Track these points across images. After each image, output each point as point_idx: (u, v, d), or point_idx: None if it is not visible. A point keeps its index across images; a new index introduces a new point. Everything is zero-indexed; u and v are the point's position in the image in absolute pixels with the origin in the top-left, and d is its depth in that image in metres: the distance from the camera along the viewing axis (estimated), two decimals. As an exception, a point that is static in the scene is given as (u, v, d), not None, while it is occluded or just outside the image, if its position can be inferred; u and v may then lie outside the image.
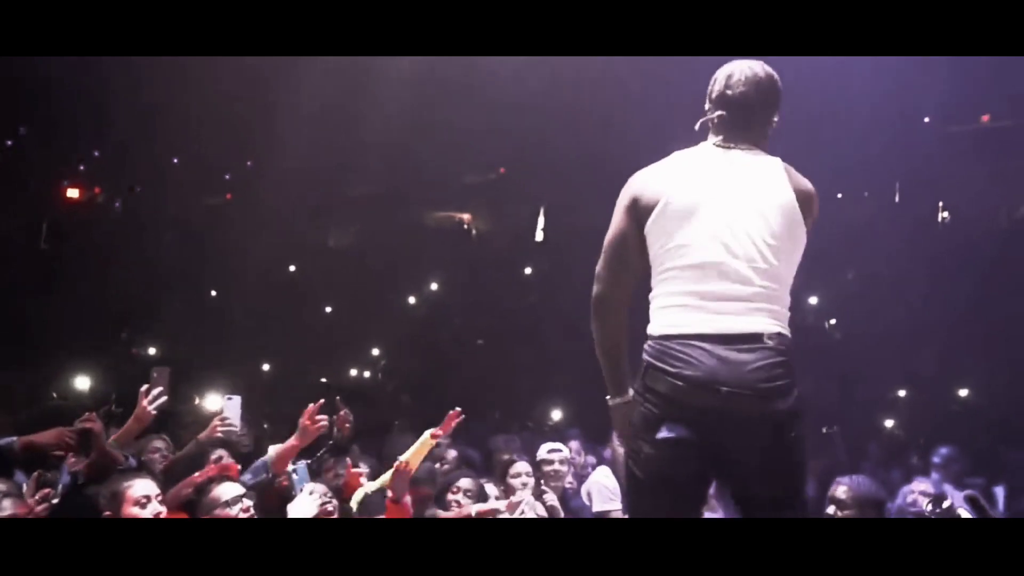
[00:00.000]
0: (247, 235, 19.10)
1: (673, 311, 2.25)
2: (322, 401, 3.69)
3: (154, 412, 3.58)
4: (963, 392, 10.52)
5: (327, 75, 17.48)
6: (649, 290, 2.43)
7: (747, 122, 2.41)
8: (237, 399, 3.79)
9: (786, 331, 2.25)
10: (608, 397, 2.39)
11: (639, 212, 2.35)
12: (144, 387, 3.56)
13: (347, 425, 4.70)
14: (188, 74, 18.33)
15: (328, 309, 16.14)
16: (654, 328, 2.32)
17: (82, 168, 24.20)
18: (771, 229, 2.25)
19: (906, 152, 17.86)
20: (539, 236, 20.44)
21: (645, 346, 2.35)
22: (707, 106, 2.48)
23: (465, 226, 22.90)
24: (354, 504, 3.87)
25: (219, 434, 3.92)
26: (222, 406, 3.79)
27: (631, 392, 2.34)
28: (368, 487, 3.95)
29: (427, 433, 3.92)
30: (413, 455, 3.82)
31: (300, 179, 20.81)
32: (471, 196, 24.64)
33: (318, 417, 3.63)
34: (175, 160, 25.09)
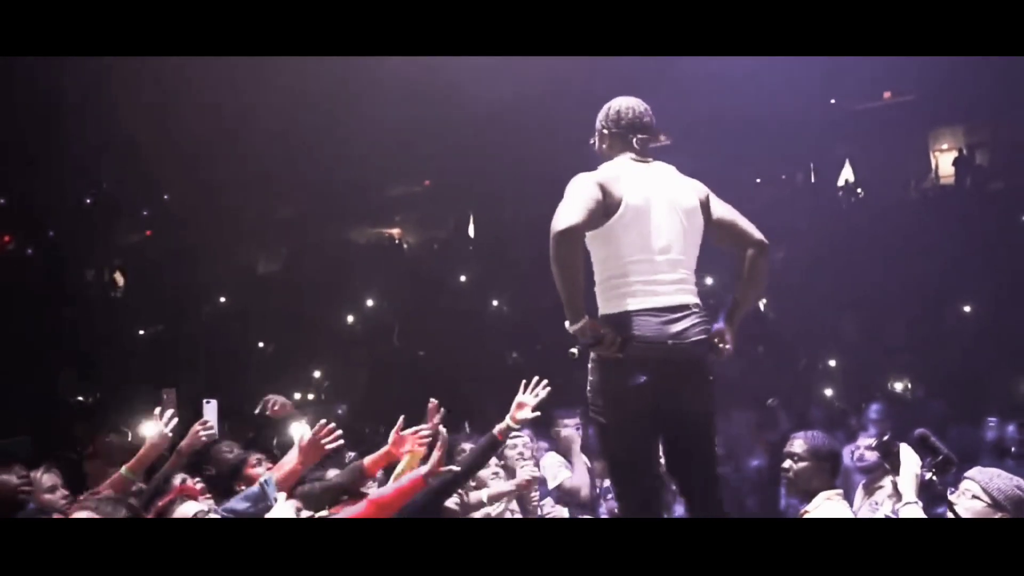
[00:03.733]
0: (172, 270, 18.63)
1: (626, 295, 2.93)
2: (327, 424, 3.41)
3: (170, 434, 3.41)
4: (888, 352, 10.98)
5: (240, 96, 17.24)
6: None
7: (652, 142, 3.13)
8: (214, 403, 3.57)
9: (699, 301, 3.02)
10: (569, 324, 2.86)
11: (606, 202, 2.91)
12: (156, 410, 3.41)
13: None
14: (96, 110, 17.87)
15: (265, 335, 15.86)
16: (612, 307, 2.95)
17: (-12, 217, 23.28)
18: (684, 229, 2.99)
19: (817, 133, 18.56)
20: (470, 244, 20.51)
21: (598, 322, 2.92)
22: (613, 130, 3.12)
23: (395, 240, 22.81)
24: None
25: (202, 439, 3.73)
26: (203, 410, 3.58)
27: (587, 316, 2.88)
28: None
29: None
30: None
31: (221, 207, 20.42)
32: (397, 210, 24.56)
33: (324, 440, 3.35)
34: (88, 200, 24.33)
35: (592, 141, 3.22)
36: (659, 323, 2.88)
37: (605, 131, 3.15)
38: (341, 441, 3.48)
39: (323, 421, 3.44)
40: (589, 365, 2.98)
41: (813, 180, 19.92)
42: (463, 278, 17.60)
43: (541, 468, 4.93)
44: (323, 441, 3.41)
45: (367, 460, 3.71)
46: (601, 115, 3.18)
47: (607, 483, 4.71)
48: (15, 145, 19.03)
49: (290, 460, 3.44)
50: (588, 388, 3.00)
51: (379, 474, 3.82)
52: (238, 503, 3.16)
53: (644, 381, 2.85)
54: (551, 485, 4.73)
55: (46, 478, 3.39)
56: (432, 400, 3.86)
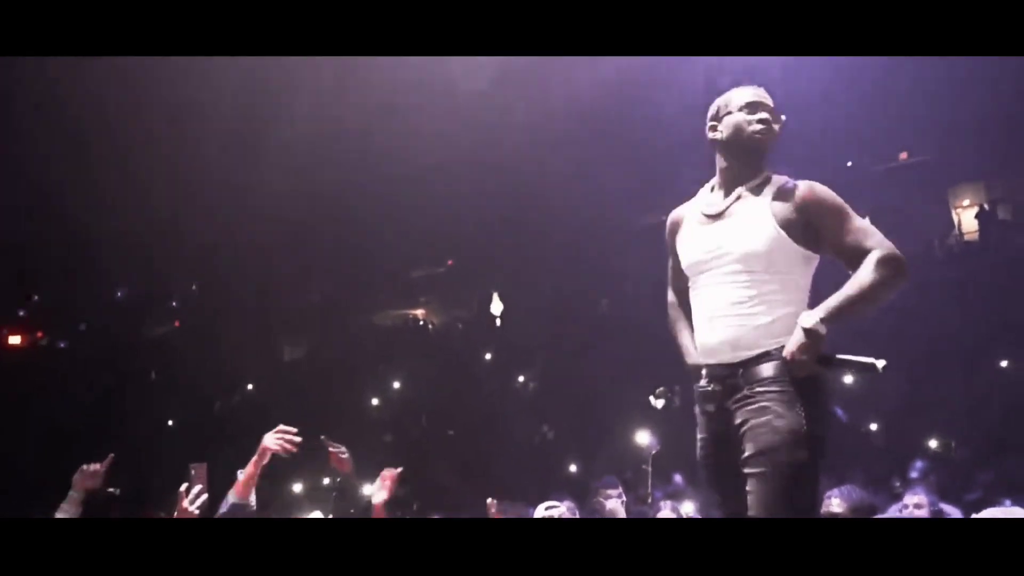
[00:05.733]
0: (200, 359, 18.77)
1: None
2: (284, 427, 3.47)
3: (196, 512, 3.24)
4: (926, 415, 10.73)
5: (264, 184, 17.64)
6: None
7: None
8: (203, 465, 3.42)
9: None
10: (824, 326, 2.51)
11: None
12: (183, 486, 3.21)
13: (343, 458, 4.03)
14: (125, 205, 18.34)
15: (293, 421, 15.79)
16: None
17: (21, 314, 23.71)
18: None
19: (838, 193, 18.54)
20: (496, 321, 20.53)
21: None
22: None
23: (420, 321, 22.89)
24: None
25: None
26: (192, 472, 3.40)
27: None
28: None
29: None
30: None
31: (247, 296, 20.70)
32: (421, 291, 24.73)
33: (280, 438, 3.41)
34: (118, 294, 24.78)
35: (734, 138, 2.73)
36: None
37: (777, 125, 2.70)
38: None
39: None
40: (805, 394, 2.57)
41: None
42: (488, 356, 17.56)
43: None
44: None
45: (374, 502, 3.92)
46: (771, 102, 2.72)
47: None
48: (45, 243, 19.56)
49: None
50: (812, 410, 2.55)
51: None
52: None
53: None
54: None
55: None
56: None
